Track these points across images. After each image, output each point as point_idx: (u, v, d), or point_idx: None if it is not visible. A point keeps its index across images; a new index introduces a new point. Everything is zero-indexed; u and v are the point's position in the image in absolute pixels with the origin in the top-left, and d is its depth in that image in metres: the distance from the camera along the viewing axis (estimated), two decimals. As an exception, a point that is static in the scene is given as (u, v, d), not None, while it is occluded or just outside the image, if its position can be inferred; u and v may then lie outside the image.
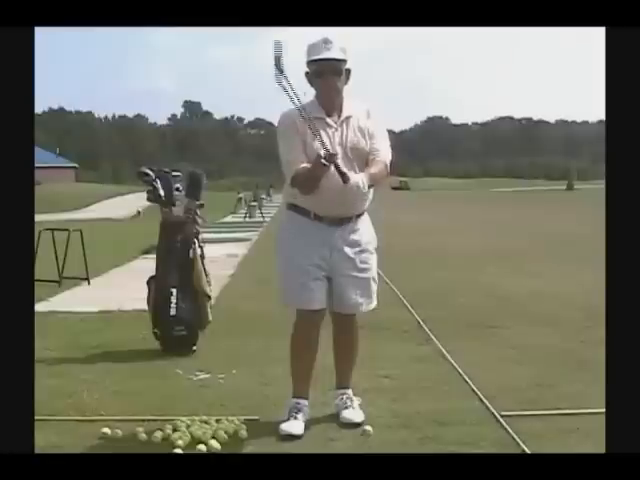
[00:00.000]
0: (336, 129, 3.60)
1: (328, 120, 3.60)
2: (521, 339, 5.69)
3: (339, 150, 3.51)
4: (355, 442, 3.49)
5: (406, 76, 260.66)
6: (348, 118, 3.64)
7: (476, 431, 3.59)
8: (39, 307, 6.74)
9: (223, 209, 28.13)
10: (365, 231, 3.76)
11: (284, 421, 3.62)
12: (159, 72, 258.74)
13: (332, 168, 3.45)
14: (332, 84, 3.58)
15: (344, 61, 3.58)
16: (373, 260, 3.78)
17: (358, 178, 3.43)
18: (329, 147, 3.42)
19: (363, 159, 3.61)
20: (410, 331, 5.99)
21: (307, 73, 3.64)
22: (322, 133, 3.47)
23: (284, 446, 3.44)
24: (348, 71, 3.63)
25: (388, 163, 3.65)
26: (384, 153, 3.65)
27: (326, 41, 3.51)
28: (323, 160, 3.35)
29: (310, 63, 3.58)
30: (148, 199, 5.76)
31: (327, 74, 3.56)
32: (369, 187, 3.50)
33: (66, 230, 9.39)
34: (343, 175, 3.39)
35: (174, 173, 5.81)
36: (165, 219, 5.62)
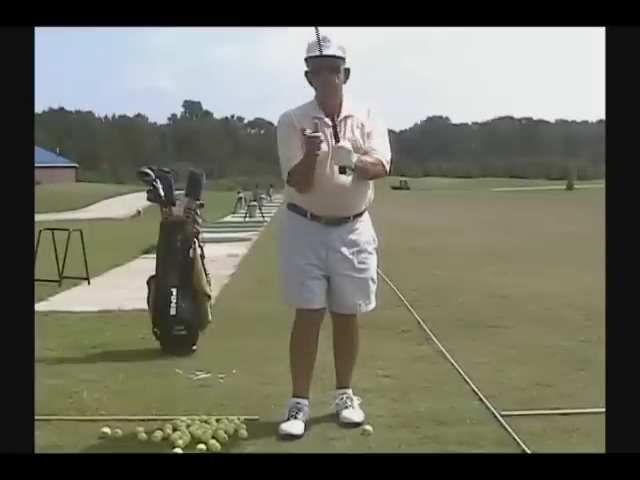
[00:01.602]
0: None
1: (326, 119, 3.59)
2: (521, 339, 5.69)
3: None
4: (355, 442, 3.49)
5: (406, 76, 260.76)
6: (347, 117, 3.65)
7: (476, 431, 3.59)
8: (39, 307, 6.73)
9: (223, 209, 28.12)
10: (364, 231, 3.76)
11: (284, 421, 3.62)
12: (159, 72, 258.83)
13: (327, 167, 3.46)
14: (329, 81, 3.58)
15: (342, 59, 3.58)
16: (372, 260, 3.78)
17: (349, 145, 3.45)
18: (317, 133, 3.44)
19: None
20: (410, 331, 5.99)
21: (306, 72, 3.65)
22: (319, 132, 3.48)
23: (284, 446, 3.44)
24: (347, 70, 3.64)
25: (386, 162, 3.64)
26: (382, 152, 3.64)
27: (324, 39, 3.51)
28: (310, 133, 3.39)
29: (308, 61, 3.60)
30: (148, 199, 5.76)
31: (324, 71, 3.56)
32: (355, 169, 3.48)
33: (66, 230, 9.38)
34: (336, 135, 3.48)
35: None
36: (165, 219, 5.62)
